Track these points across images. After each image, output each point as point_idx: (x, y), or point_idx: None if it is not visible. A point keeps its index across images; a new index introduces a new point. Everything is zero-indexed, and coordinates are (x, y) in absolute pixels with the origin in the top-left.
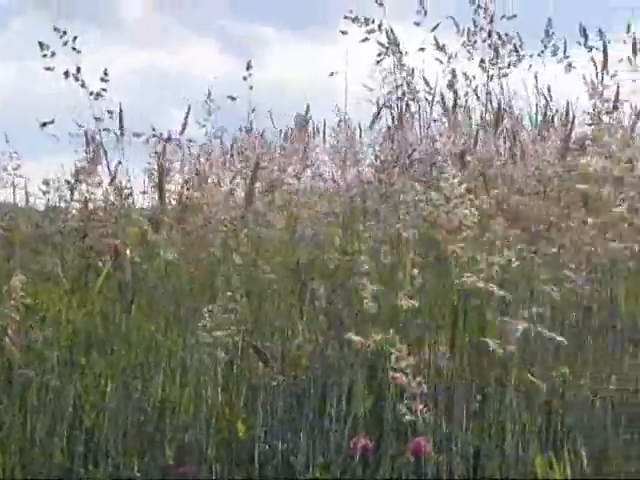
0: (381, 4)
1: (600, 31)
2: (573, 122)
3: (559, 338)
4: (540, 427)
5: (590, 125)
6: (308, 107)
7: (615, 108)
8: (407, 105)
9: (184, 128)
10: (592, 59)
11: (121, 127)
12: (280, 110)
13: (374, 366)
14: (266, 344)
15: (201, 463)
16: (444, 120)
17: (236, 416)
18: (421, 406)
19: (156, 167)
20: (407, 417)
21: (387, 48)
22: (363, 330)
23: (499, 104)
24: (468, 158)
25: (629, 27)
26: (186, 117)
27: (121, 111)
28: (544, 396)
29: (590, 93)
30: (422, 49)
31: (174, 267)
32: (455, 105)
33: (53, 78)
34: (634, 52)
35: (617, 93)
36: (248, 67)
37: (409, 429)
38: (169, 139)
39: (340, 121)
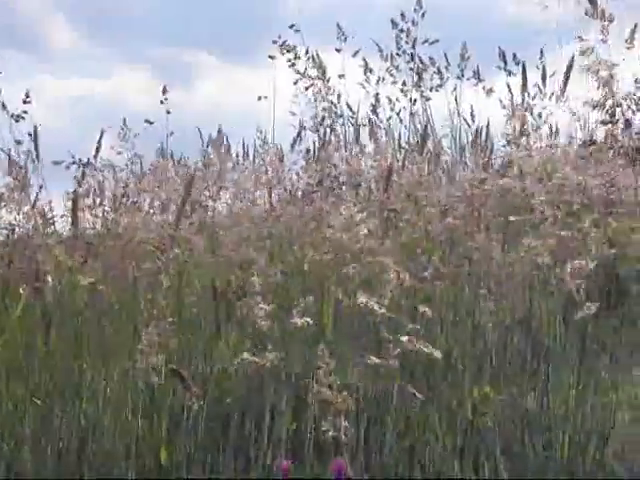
0: (297, 30)
1: (514, 55)
2: (492, 149)
3: (436, 353)
4: (462, 446)
5: (507, 145)
6: (220, 127)
7: (522, 133)
8: (331, 129)
9: (98, 151)
10: (507, 84)
11: (36, 150)
12: (207, 132)
13: (298, 386)
14: (189, 367)
15: None
16: (367, 143)
17: (158, 441)
18: (345, 423)
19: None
20: (330, 433)
21: (303, 73)
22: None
23: (426, 126)
24: (395, 178)
25: (542, 52)
26: (99, 141)
27: (36, 133)
28: (467, 415)
29: (507, 116)
30: (342, 76)
31: (95, 291)
32: (374, 127)
33: None
34: (543, 79)
35: (523, 118)
36: (164, 91)
37: (332, 450)
38: (87, 164)
39: (264, 144)
